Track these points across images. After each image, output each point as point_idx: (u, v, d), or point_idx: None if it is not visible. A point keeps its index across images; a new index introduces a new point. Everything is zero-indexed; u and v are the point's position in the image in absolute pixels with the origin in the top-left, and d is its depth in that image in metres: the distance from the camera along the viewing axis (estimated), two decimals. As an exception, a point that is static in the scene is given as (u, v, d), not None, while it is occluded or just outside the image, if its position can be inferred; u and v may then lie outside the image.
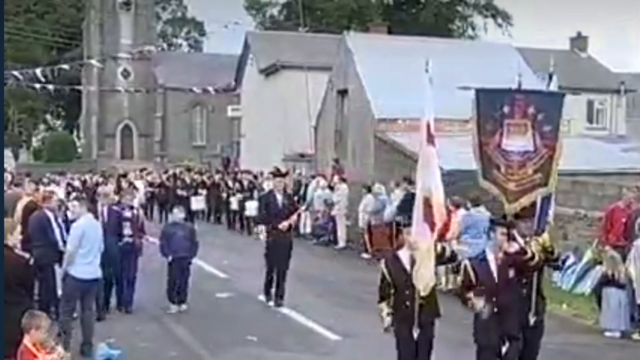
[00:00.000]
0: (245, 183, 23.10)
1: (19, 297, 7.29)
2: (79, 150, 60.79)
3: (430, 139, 7.01)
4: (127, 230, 11.54)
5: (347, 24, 45.63)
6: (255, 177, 24.62)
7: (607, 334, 10.59)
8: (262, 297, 12.49)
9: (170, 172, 29.80)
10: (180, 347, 10.07)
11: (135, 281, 11.75)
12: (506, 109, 7.41)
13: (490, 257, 7.04)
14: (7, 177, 19.57)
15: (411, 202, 15.27)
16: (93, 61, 37.73)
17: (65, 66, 26.59)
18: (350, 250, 18.74)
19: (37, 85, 26.10)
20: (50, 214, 10.74)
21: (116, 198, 12.84)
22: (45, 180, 26.29)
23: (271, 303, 12.23)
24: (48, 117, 70.45)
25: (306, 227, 20.71)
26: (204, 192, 24.53)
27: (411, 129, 20.02)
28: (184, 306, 11.71)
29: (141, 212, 12.99)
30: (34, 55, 54.63)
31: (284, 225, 11.98)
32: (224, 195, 23.83)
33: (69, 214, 11.66)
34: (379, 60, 21.17)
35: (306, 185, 21.52)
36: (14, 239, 7.70)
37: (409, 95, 19.84)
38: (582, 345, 7.84)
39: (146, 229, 12.59)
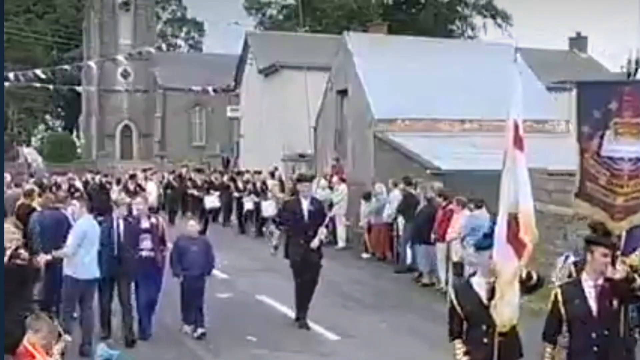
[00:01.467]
0: (259, 184, 22.61)
1: (20, 295, 7.32)
2: (79, 150, 60.77)
3: (518, 143, 5.73)
4: (146, 244, 10.17)
5: (346, 24, 45.55)
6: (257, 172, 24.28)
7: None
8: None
9: (177, 172, 29.21)
10: (179, 347, 10.06)
11: (157, 303, 10.43)
12: (613, 106, 6.15)
13: (589, 283, 5.87)
14: (7, 176, 19.56)
15: (409, 203, 15.47)
16: (91, 63, 37.67)
17: (65, 66, 26.61)
18: (350, 250, 18.73)
19: (37, 85, 26.07)
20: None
21: (127, 199, 11.66)
22: (45, 181, 26.25)
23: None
24: (48, 117, 70.47)
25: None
26: (217, 193, 23.36)
27: (410, 129, 20.13)
28: (200, 330, 10.38)
29: (161, 220, 11.21)
30: (34, 55, 54.62)
31: (315, 243, 10.84)
32: (235, 195, 23.16)
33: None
34: (379, 60, 21.17)
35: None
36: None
37: (408, 95, 20.14)
38: (581, 345, 7.86)
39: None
